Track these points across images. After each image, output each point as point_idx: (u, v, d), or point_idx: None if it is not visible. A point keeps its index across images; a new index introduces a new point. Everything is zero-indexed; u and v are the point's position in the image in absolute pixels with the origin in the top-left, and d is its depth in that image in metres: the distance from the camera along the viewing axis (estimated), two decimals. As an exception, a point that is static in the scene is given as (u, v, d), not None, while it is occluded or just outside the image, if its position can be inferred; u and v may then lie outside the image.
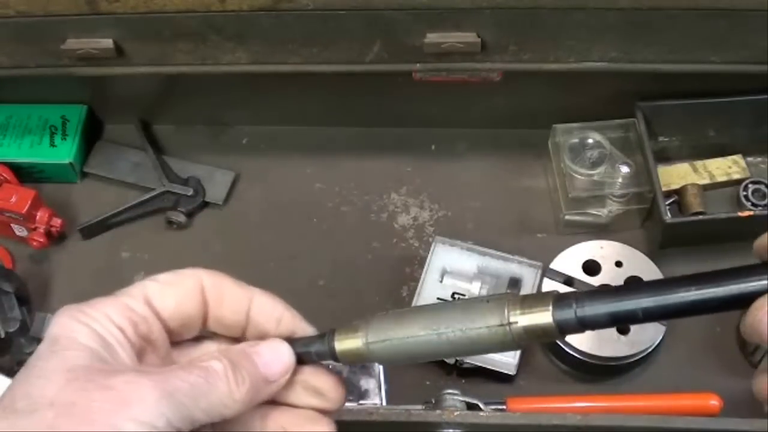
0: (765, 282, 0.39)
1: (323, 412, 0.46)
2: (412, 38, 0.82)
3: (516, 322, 0.42)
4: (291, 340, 0.45)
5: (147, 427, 0.37)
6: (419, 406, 0.79)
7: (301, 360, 0.45)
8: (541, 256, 0.89)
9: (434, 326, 0.43)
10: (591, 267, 0.88)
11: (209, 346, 0.46)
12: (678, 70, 0.85)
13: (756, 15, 0.78)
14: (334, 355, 0.45)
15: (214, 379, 0.40)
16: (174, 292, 0.44)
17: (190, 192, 0.97)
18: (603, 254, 0.88)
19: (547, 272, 0.88)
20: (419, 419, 0.64)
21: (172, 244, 0.96)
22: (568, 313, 0.41)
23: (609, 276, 0.87)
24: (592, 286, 0.87)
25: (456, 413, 0.65)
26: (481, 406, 0.78)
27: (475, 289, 0.86)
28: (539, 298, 0.42)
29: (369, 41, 0.83)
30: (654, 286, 0.40)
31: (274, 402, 0.45)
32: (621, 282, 0.87)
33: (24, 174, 0.98)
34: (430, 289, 0.87)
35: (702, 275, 0.40)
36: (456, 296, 0.87)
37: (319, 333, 0.46)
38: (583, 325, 0.41)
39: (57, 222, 0.94)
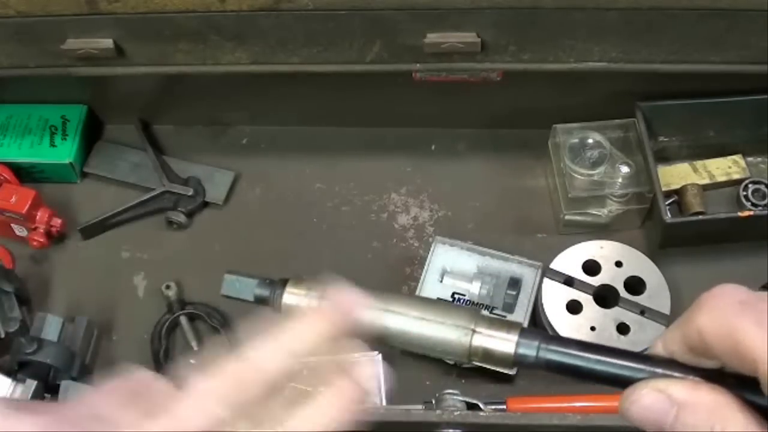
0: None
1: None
2: (412, 38, 0.82)
3: (480, 333, 0.42)
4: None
5: None
6: (419, 406, 0.79)
7: None
8: (541, 256, 0.89)
9: (398, 307, 0.43)
10: (591, 267, 0.88)
11: None
12: (678, 70, 0.85)
13: (756, 15, 0.78)
14: (276, 307, 0.44)
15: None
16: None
17: (190, 192, 0.97)
18: (603, 254, 0.88)
19: (547, 272, 0.88)
20: (419, 419, 0.64)
21: (172, 244, 0.96)
22: (530, 349, 0.42)
23: (609, 276, 0.87)
24: (593, 286, 0.87)
25: (456, 413, 0.65)
26: (481, 406, 0.78)
27: (475, 289, 0.86)
28: (507, 325, 0.43)
29: (369, 41, 0.83)
30: (618, 355, 0.41)
31: None
32: (621, 282, 0.87)
33: (24, 174, 0.98)
34: (430, 289, 0.87)
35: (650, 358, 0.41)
36: (456, 296, 0.87)
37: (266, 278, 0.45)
38: (537, 365, 0.42)
39: (57, 222, 0.94)
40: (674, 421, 0.38)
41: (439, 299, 0.42)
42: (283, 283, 0.45)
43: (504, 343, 0.42)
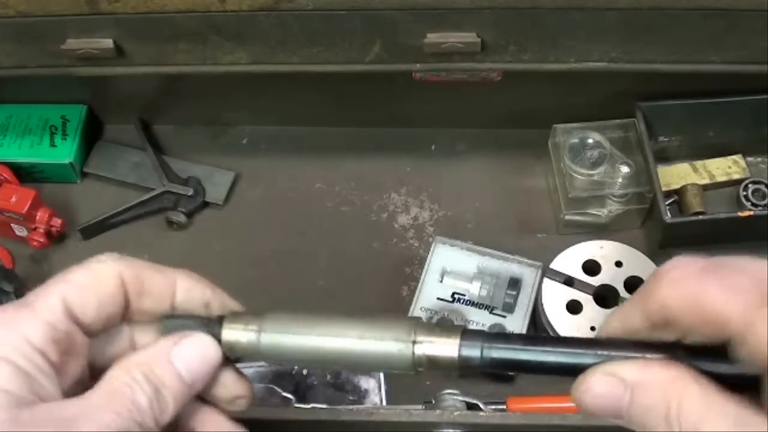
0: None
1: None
2: (412, 38, 0.82)
3: (421, 342, 0.41)
4: (178, 318, 0.42)
5: None
6: (419, 406, 0.79)
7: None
8: (541, 256, 0.89)
9: (337, 330, 0.42)
10: (591, 267, 0.88)
11: (126, 336, 0.44)
12: (678, 70, 0.85)
13: (756, 15, 0.78)
14: (220, 344, 0.42)
15: (141, 416, 0.38)
16: (94, 294, 0.41)
17: (190, 192, 0.97)
18: (603, 254, 0.88)
19: (547, 272, 0.88)
20: (419, 419, 0.64)
21: (172, 244, 0.96)
22: (474, 350, 0.41)
23: (609, 276, 0.87)
24: (593, 286, 0.87)
25: (456, 413, 0.65)
26: (481, 406, 0.78)
27: (475, 289, 0.86)
28: (448, 330, 0.42)
29: (369, 41, 0.83)
30: (565, 344, 0.40)
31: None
32: (621, 282, 0.87)
33: (24, 174, 0.98)
34: (430, 289, 0.87)
35: (574, 341, 0.40)
36: (456, 296, 0.87)
37: (207, 316, 0.43)
38: (482, 365, 0.41)
39: (57, 222, 0.94)
40: (629, 405, 0.36)
41: (375, 316, 0.41)
42: (220, 320, 0.43)
43: (446, 347, 0.41)
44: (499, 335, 0.41)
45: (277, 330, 0.42)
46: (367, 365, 0.44)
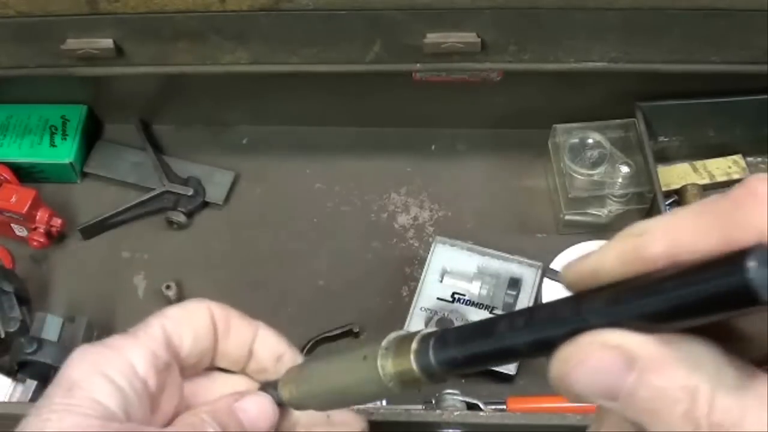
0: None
1: None
2: (412, 38, 0.82)
3: (384, 363, 0.36)
4: (262, 385, 0.44)
5: None
6: (419, 406, 0.79)
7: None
8: (541, 256, 0.89)
9: (327, 371, 0.41)
10: (591, 267, 0.88)
11: (219, 381, 0.45)
12: (678, 70, 0.85)
13: (756, 15, 0.78)
14: (281, 403, 0.43)
15: None
16: (190, 328, 0.43)
17: (190, 192, 0.97)
18: (603, 254, 0.88)
19: (547, 272, 0.88)
20: (419, 419, 0.64)
21: (172, 244, 0.96)
22: (426, 357, 0.34)
23: (609, 276, 0.87)
24: (592, 286, 0.86)
25: (456, 413, 0.65)
26: (481, 406, 0.78)
27: (475, 289, 0.86)
28: (408, 341, 0.35)
29: (369, 41, 0.83)
30: (498, 329, 0.31)
31: None
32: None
33: (24, 174, 0.98)
34: (430, 289, 0.87)
35: (537, 310, 0.31)
36: (456, 296, 0.87)
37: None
38: (446, 368, 0.34)
39: (57, 222, 0.94)
40: (635, 387, 0.27)
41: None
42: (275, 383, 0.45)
43: (404, 360, 0.35)
44: (453, 330, 0.34)
45: (302, 385, 0.42)
46: (364, 401, 0.41)
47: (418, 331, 0.35)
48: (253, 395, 0.43)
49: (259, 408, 0.43)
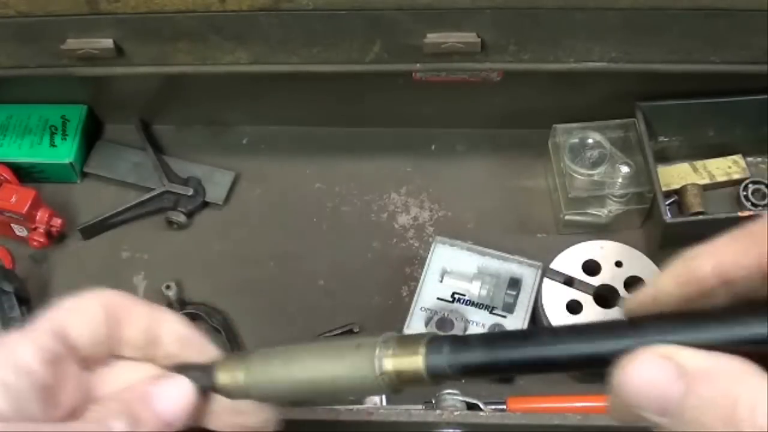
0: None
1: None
2: (412, 38, 0.82)
3: (384, 359, 0.37)
4: (178, 367, 0.42)
5: None
6: (419, 406, 0.79)
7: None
8: (541, 256, 0.89)
9: (307, 361, 0.39)
10: (591, 267, 0.88)
11: (124, 369, 0.44)
12: (678, 70, 0.85)
13: (756, 15, 0.78)
14: (215, 389, 0.41)
15: None
16: (82, 317, 0.42)
17: (190, 192, 0.97)
18: (603, 254, 0.88)
19: (547, 272, 0.88)
20: (419, 419, 0.64)
21: (172, 244, 0.96)
22: (440, 359, 0.35)
23: (609, 276, 0.87)
24: (593, 286, 0.87)
25: (456, 413, 0.65)
26: (481, 406, 0.78)
27: (475, 289, 0.86)
28: (415, 339, 0.37)
29: (369, 41, 0.83)
30: (537, 338, 0.34)
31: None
32: (621, 282, 0.87)
33: (24, 174, 0.98)
34: (430, 289, 0.87)
35: (586, 327, 0.34)
36: (456, 296, 0.87)
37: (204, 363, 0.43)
38: (455, 373, 0.35)
39: (57, 222, 0.94)
40: (684, 396, 0.30)
41: (348, 337, 0.37)
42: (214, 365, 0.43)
43: (412, 360, 0.36)
44: (470, 338, 0.35)
45: (260, 372, 0.41)
46: (340, 392, 0.39)
47: (423, 333, 0.37)
48: (168, 379, 0.42)
49: (177, 392, 0.41)
